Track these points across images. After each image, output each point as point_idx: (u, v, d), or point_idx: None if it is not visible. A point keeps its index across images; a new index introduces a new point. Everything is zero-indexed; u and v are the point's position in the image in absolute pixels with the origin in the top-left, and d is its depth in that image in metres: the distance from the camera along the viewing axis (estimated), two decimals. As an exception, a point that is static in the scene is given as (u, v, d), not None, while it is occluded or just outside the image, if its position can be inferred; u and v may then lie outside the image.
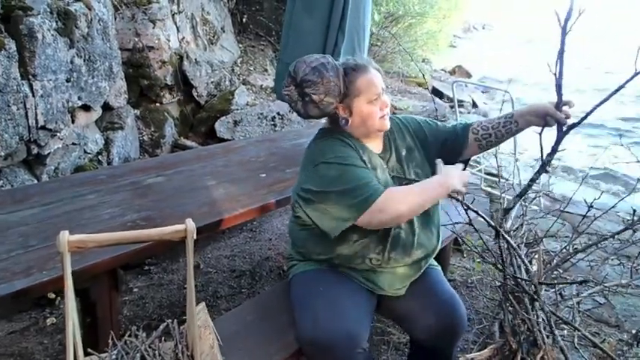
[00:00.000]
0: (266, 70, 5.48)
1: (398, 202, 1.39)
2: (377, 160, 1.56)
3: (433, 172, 1.60)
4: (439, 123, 1.71)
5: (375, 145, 1.59)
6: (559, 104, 1.46)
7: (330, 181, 1.43)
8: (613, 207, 1.85)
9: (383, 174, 1.54)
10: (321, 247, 1.54)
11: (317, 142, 1.56)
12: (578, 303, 1.98)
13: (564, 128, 1.47)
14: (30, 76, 2.55)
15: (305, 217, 1.50)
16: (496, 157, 1.77)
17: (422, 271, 1.62)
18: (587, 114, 1.43)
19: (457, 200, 1.52)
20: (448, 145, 1.65)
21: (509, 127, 1.60)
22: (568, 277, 2.14)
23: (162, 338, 1.26)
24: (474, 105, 7.48)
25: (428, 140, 1.65)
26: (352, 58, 1.58)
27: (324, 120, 1.64)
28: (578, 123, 1.45)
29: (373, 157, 1.55)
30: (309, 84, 1.44)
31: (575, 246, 1.88)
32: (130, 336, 1.23)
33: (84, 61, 2.93)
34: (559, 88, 1.41)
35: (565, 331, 1.83)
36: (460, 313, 1.57)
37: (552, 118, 1.48)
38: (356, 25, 2.51)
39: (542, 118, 1.51)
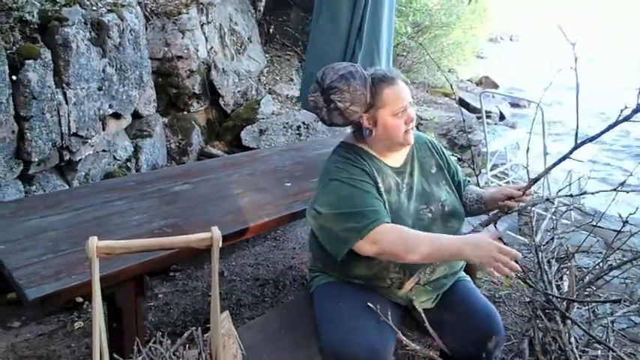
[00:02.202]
0: (292, 80, 5.52)
1: (393, 241, 1.37)
2: (392, 179, 1.53)
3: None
4: (458, 165, 1.74)
5: (395, 159, 1.57)
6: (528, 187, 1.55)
7: (338, 201, 1.43)
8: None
9: (397, 195, 1.51)
10: (339, 267, 1.52)
11: (336, 157, 1.54)
12: (612, 322, 1.91)
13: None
14: (64, 85, 2.63)
15: (314, 235, 1.51)
16: (527, 168, 1.72)
17: (448, 285, 1.59)
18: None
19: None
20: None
21: (480, 206, 1.66)
22: (601, 295, 2.07)
23: (187, 346, 1.26)
24: (502, 117, 7.36)
25: (449, 169, 1.68)
26: (382, 68, 1.57)
27: (349, 130, 1.63)
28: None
29: (389, 176, 1.53)
30: (335, 91, 1.43)
31: (609, 262, 1.82)
32: (154, 342, 1.23)
33: (115, 70, 3.00)
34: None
35: (599, 352, 1.75)
36: (497, 320, 1.54)
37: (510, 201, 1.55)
38: (374, 34, 2.49)
39: (503, 200, 1.57)
